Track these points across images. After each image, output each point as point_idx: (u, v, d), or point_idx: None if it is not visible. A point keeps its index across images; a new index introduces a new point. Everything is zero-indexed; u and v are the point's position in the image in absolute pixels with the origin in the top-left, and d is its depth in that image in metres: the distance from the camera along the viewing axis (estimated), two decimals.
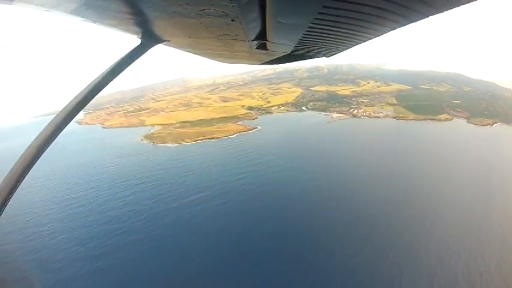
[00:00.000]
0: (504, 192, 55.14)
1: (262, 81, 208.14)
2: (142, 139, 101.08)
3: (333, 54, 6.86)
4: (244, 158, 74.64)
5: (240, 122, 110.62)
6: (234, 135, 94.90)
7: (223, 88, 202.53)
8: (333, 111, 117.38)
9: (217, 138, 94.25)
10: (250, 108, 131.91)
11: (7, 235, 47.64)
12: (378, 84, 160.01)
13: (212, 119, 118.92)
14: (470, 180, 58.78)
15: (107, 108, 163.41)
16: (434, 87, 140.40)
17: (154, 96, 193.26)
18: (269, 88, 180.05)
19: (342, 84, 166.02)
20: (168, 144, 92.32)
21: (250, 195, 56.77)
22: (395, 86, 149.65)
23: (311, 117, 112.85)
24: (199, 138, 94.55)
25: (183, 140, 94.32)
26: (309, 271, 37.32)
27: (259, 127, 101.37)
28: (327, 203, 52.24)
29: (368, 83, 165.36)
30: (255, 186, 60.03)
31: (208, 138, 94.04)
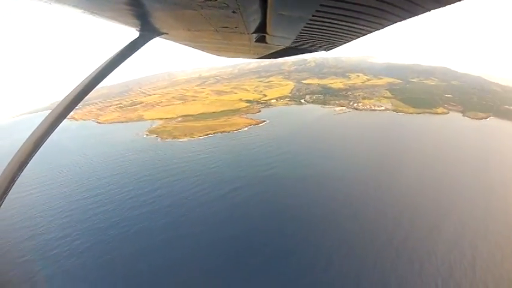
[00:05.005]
0: None
1: (250, 74, 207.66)
2: (147, 134, 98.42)
3: (333, 48, 6.88)
4: (265, 150, 74.58)
5: (244, 116, 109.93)
6: (246, 129, 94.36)
7: (212, 81, 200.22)
8: (332, 104, 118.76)
9: (228, 131, 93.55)
10: (248, 101, 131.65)
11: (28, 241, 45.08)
12: (368, 77, 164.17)
13: (214, 112, 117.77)
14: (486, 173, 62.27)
15: (96, 103, 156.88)
16: (424, 81, 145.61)
17: (143, 91, 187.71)
18: (260, 81, 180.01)
19: (332, 77, 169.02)
20: (178, 139, 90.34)
21: (287, 183, 57.03)
22: (386, 80, 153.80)
23: (314, 110, 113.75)
24: (209, 132, 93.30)
25: (192, 134, 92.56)
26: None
27: (268, 120, 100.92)
28: (363, 189, 53.62)
29: (358, 76, 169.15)
30: (289, 175, 60.25)
31: (220, 132, 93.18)
